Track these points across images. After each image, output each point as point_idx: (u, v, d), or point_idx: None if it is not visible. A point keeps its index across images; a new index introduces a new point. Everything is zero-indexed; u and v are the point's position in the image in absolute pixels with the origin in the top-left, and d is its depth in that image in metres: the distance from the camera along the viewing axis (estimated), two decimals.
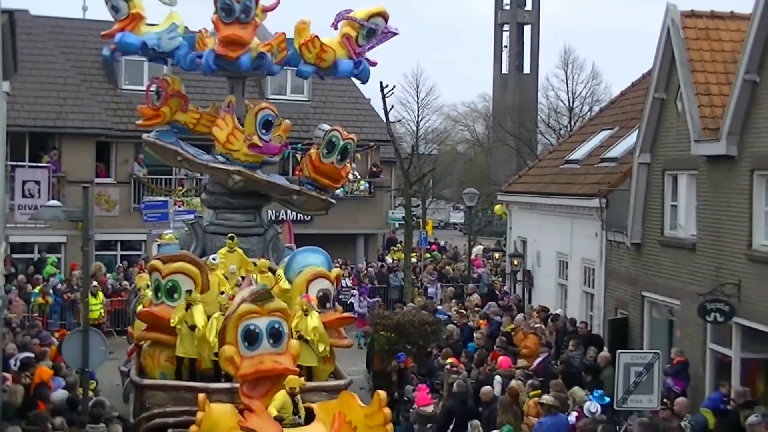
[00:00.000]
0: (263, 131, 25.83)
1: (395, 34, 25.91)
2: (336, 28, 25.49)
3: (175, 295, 23.31)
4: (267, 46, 25.16)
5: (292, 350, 21.47)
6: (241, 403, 20.01)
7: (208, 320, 22.93)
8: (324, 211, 27.70)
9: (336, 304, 25.37)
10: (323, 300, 24.09)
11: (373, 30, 25.32)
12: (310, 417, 20.19)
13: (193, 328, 22.96)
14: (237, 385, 21.03)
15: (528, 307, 36.06)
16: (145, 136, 27.29)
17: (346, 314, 26.04)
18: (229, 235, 25.61)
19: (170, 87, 26.58)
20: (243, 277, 24.47)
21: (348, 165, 27.02)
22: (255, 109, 25.97)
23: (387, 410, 19.91)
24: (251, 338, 20.58)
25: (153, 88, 26.69)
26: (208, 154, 26.92)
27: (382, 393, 20.27)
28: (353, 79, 27.35)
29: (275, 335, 20.77)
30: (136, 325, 25.01)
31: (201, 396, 19.69)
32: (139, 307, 25.95)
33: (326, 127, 26.72)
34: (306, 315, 23.30)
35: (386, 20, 25.46)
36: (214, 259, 24.56)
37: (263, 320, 20.76)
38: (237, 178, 25.98)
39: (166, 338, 23.47)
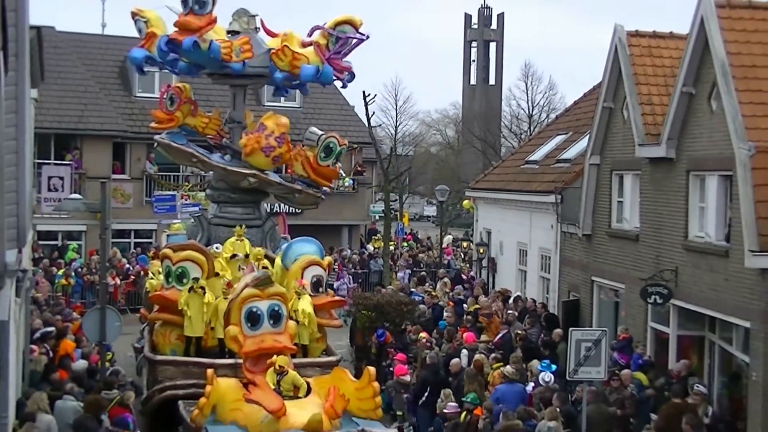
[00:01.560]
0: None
1: (364, 39, 25.70)
2: (310, 37, 25.43)
3: (185, 280, 23.36)
4: (226, 43, 25.13)
5: (290, 330, 21.54)
6: (245, 377, 20.04)
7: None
8: (315, 205, 27.72)
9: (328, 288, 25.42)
10: (316, 285, 24.08)
11: (341, 38, 25.18)
12: (307, 391, 20.23)
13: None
14: (240, 361, 21.12)
15: (493, 291, 36.07)
16: (158, 138, 27.21)
17: (337, 298, 26.05)
18: (238, 225, 25.60)
19: (183, 94, 26.58)
20: (241, 268, 24.46)
21: (338, 165, 27.06)
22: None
23: (376, 384, 19.90)
24: (253, 319, 20.61)
25: (167, 94, 26.67)
26: (216, 155, 26.86)
27: (372, 369, 20.27)
28: (339, 88, 27.33)
29: (275, 317, 20.80)
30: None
31: (209, 371, 19.70)
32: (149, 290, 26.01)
33: (317, 130, 26.69)
34: (299, 298, 23.33)
35: (356, 28, 25.31)
36: (217, 248, 24.56)
37: (264, 303, 20.81)
38: (252, 180, 26.02)
39: (176, 319, 23.52)
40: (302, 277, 23.89)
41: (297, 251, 24.70)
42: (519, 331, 27.25)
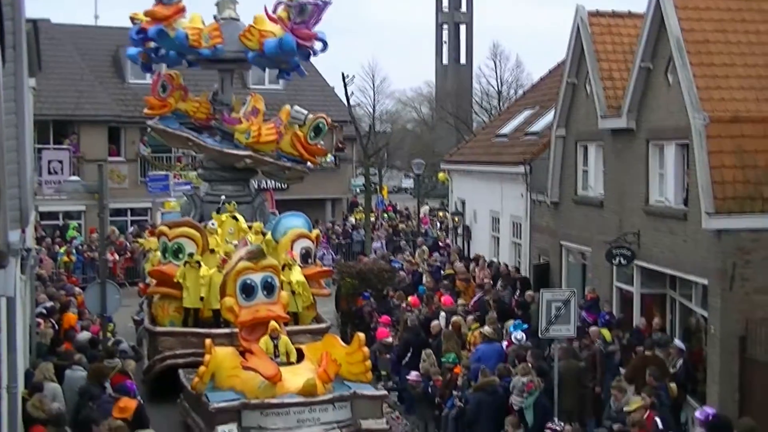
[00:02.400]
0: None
1: (328, 4, 25.52)
2: (275, 13, 25.28)
3: (180, 255, 23.34)
4: (195, 30, 25.10)
5: (283, 300, 21.56)
6: (241, 345, 20.05)
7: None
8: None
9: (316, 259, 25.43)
10: (305, 256, 24.15)
11: (302, 6, 24.99)
12: (301, 357, 20.26)
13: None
14: (236, 330, 21.14)
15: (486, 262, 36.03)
16: (151, 123, 27.10)
17: (325, 268, 26.06)
18: (229, 201, 25.49)
19: (174, 81, 26.49)
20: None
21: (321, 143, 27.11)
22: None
23: (366, 349, 19.98)
24: (248, 291, 20.71)
25: (160, 82, 26.56)
26: (207, 137, 26.73)
27: (361, 335, 20.37)
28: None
29: (268, 288, 20.89)
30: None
31: (208, 341, 19.74)
32: (148, 266, 25.96)
33: (302, 109, 26.64)
34: (290, 269, 23.32)
35: None
36: (212, 225, 24.52)
37: (258, 275, 20.90)
38: (248, 161, 26.02)
39: (173, 292, 23.51)
40: (292, 250, 23.91)
41: (286, 225, 24.77)
42: (488, 297, 27.29)
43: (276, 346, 19.89)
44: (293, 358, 20.07)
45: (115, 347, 21.36)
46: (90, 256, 39.95)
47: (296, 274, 23.37)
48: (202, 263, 23.25)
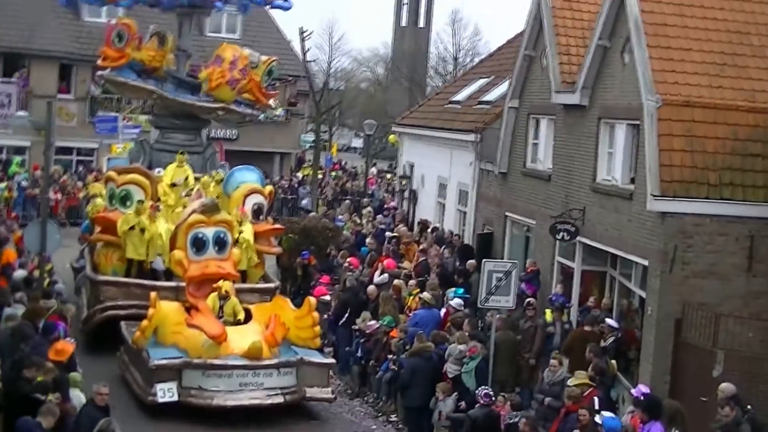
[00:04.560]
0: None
1: None
2: None
3: (128, 203, 22.88)
4: None
5: (234, 257, 21.16)
6: (187, 301, 19.67)
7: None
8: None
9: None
10: (257, 212, 23.74)
11: None
12: (248, 318, 19.89)
13: (143, 231, 22.55)
14: (182, 284, 20.65)
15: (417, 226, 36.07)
16: (105, 74, 26.41)
17: (277, 225, 25.68)
18: (180, 151, 25.16)
19: (132, 30, 25.88)
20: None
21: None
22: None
23: (316, 314, 19.73)
24: (199, 245, 20.26)
25: (115, 31, 25.86)
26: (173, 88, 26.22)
27: (312, 299, 20.16)
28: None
29: (220, 243, 20.48)
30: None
31: (153, 294, 19.32)
32: (92, 211, 25.46)
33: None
34: (240, 224, 22.95)
35: None
36: (159, 172, 24.16)
37: (210, 230, 20.46)
38: (221, 113, 25.78)
39: (118, 240, 22.98)
40: (243, 205, 23.48)
41: (239, 179, 24.30)
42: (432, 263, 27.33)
43: (221, 306, 19.51)
44: (240, 317, 19.71)
45: (50, 288, 21.10)
46: (32, 193, 39.43)
47: (247, 232, 22.98)
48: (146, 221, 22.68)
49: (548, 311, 22.45)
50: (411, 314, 22.82)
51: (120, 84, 26.32)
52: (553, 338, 21.71)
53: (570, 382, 17.39)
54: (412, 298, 23.99)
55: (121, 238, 22.74)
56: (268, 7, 27.30)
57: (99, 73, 26.73)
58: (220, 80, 25.03)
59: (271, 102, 27.94)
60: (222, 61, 25.35)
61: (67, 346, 16.51)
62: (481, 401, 17.33)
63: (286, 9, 26.90)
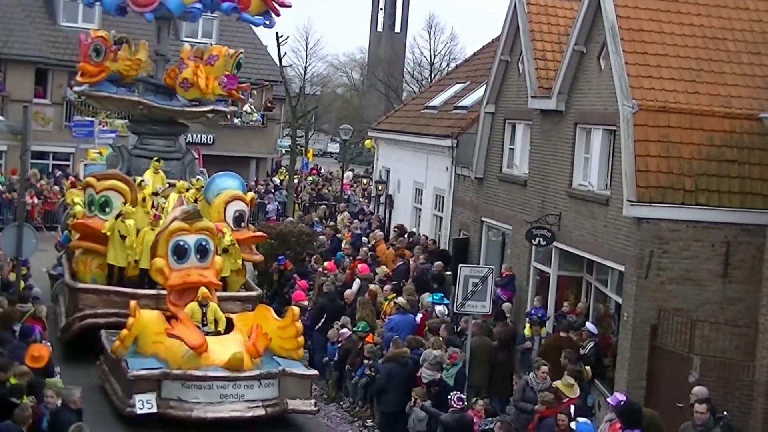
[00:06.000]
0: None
1: None
2: None
3: (107, 209, 22.49)
4: None
5: (216, 265, 20.86)
6: (168, 310, 19.38)
7: (138, 233, 22.22)
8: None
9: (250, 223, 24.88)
10: (239, 220, 23.34)
11: None
12: (230, 327, 19.56)
13: (123, 237, 22.19)
14: (163, 292, 20.35)
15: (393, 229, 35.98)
16: (87, 91, 25.82)
17: (258, 233, 25.34)
18: (155, 158, 24.87)
19: (108, 42, 25.46)
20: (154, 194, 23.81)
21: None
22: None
23: (299, 324, 19.41)
24: (180, 253, 19.96)
25: (91, 46, 25.36)
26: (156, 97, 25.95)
27: (296, 309, 19.88)
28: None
29: (202, 251, 20.20)
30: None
31: (133, 303, 18.98)
32: (70, 220, 25.01)
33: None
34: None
35: None
36: (143, 180, 23.80)
37: (192, 237, 20.18)
38: (210, 115, 25.59)
39: (98, 247, 22.57)
40: (225, 212, 23.15)
41: (220, 185, 23.84)
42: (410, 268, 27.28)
43: (204, 314, 19.20)
44: (222, 327, 19.33)
45: (27, 292, 20.89)
46: (8, 197, 39.17)
47: (227, 238, 22.65)
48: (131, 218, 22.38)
49: (528, 326, 22.39)
50: (386, 319, 22.73)
51: (103, 98, 25.91)
52: (530, 353, 21.62)
53: (554, 384, 17.34)
54: (387, 303, 23.88)
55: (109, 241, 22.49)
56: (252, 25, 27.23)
57: (77, 89, 26.26)
58: (208, 77, 24.87)
59: (247, 107, 27.74)
60: (216, 58, 25.19)
61: (43, 350, 16.35)
62: (454, 405, 17.21)
63: (270, 27, 26.84)
